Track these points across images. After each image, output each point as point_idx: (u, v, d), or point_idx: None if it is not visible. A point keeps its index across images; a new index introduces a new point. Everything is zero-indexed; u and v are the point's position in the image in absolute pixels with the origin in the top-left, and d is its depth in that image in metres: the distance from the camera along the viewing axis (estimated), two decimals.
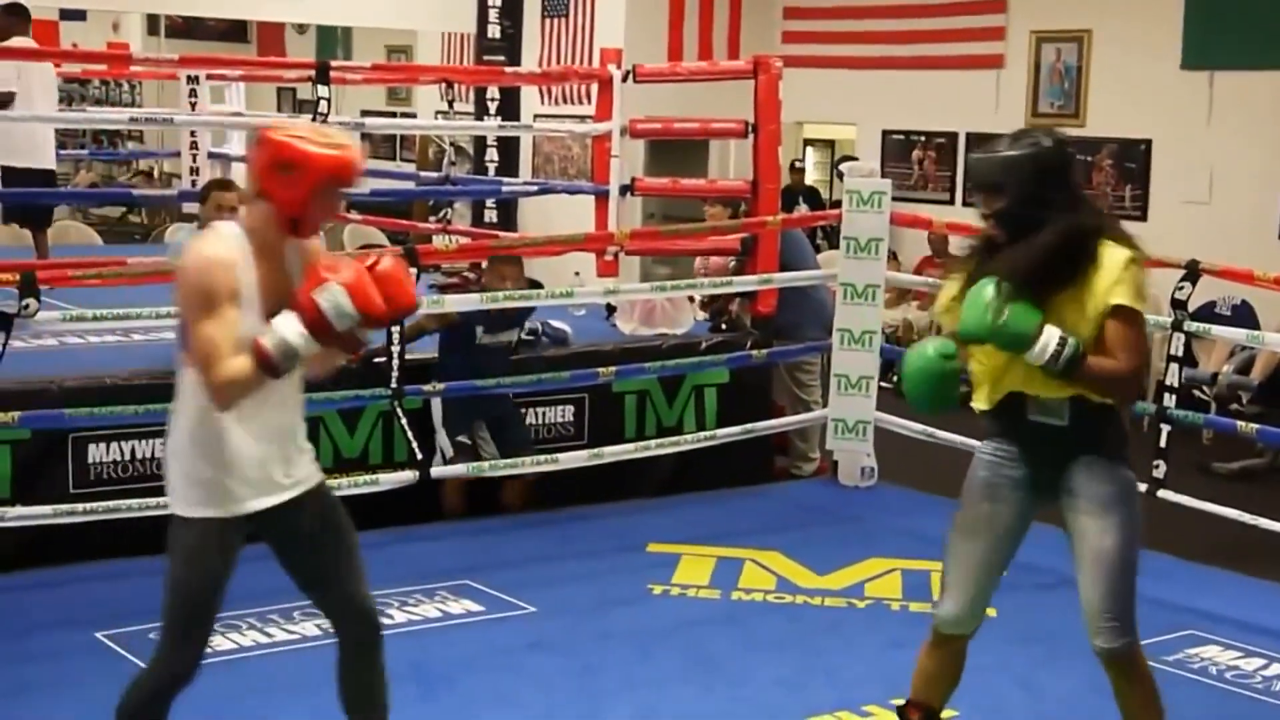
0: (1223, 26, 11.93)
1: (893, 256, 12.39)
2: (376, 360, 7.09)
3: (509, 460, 7.47)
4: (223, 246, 3.84)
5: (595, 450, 7.74)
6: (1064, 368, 4.02)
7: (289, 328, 3.74)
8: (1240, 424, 7.39)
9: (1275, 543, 6.94)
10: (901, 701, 4.58)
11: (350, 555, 4.17)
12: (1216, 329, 7.80)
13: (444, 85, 11.27)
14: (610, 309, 9.12)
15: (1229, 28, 11.90)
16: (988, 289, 4.04)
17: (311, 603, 4.29)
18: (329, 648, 4.26)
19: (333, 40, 19.50)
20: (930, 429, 7.96)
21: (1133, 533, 4.21)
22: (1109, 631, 4.17)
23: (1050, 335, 4.01)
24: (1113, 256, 4.10)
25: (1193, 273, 7.07)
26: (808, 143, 16.72)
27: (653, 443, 8.05)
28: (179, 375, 3.95)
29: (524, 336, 8.16)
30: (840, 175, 10.66)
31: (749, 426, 8.25)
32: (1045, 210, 4.09)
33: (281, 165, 3.81)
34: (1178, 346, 7.16)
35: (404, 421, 7.14)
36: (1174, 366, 7.16)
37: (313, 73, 9.02)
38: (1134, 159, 12.69)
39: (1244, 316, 10.98)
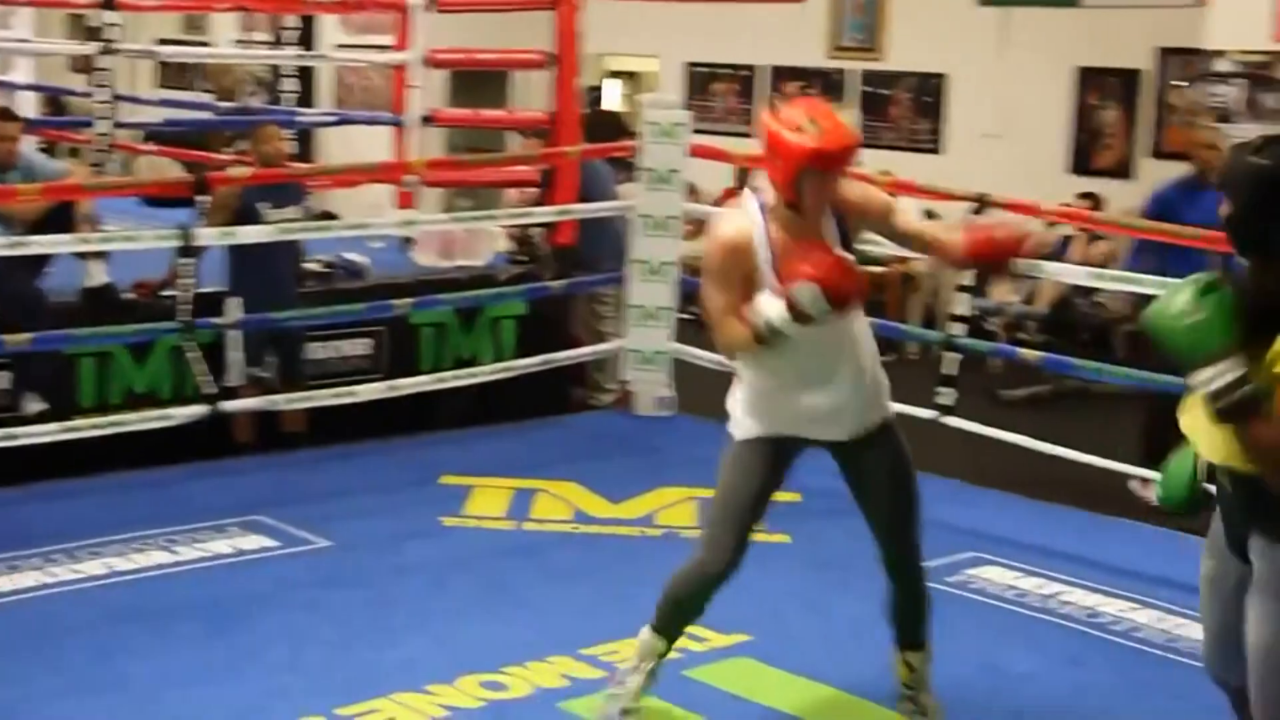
0: None
1: (694, 189, 12.47)
2: (166, 294, 6.96)
3: (303, 394, 7.40)
4: (735, 226, 4.23)
5: (392, 382, 7.70)
6: (1225, 409, 3.15)
7: (773, 310, 4.05)
8: (1022, 351, 7.57)
9: (1057, 467, 7.13)
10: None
11: (895, 509, 4.42)
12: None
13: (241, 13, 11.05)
14: (408, 241, 9.05)
15: None
16: (1198, 283, 3.26)
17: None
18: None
19: None
20: (724, 358, 8.03)
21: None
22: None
23: (1231, 367, 3.15)
24: None
25: (981, 206, 7.21)
26: (610, 74, 16.69)
27: (449, 374, 8.03)
28: None
29: (320, 270, 8.08)
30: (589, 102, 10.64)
31: (546, 357, 8.26)
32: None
33: (769, 151, 4.13)
34: (966, 277, 7.30)
35: (194, 355, 7.03)
36: (962, 296, 7.31)
37: None
38: (930, 93, 12.90)
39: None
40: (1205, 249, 7.32)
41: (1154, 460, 7.30)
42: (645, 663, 4.55)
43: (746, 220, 4.24)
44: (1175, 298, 3.23)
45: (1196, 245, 7.08)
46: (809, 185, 4.10)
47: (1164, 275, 6.76)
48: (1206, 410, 3.18)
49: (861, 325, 4.38)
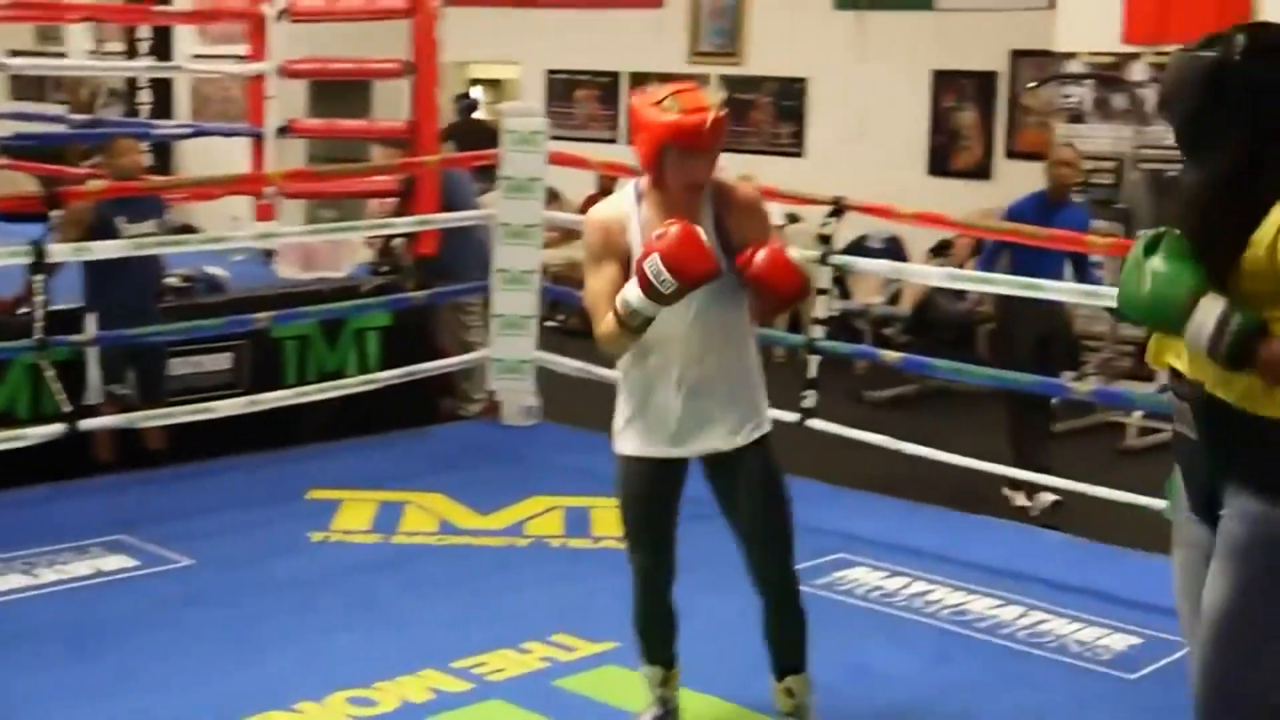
0: None
1: (556, 196, 12.48)
2: (21, 311, 6.84)
3: (163, 410, 7.30)
4: (610, 206, 4.24)
5: (254, 397, 7.62)
6: (1227, 355, 2.93)
7: (631, 290, 3.97)
8: (882, 353, 7.66)
9: (921, 467, 7.21)
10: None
11: (767, 528, 4.34)
12: (861, 262, 8.02)
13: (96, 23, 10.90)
14: (269, 254, 8.97)
15: None
16: (1137, 252, 3.04)
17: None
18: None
19: None
20: (589, 365, 8.05)
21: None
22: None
23: (1209, 308, 2.93)
24: None
25: (838, 209, 7.29)
26: (474, 82, 16.65)
27: (312, 388, 7.96)
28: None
29: (179, 284, 7.99)
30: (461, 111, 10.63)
31: (411, 368, 8.22)
32: (1221, 136, 2.99)
33: (634, 128, 4.10)
34: (825, 280, 7.37)
35: (50, 374, 6.92)
36: (822, 299, 7.38)
37: None
38: (791, 97, 13.02)
39: (894, 250, 11.40)
40: (1056, 252, 7.48)
41: (1023, 462, 7.48)
42: (653, 693, 4.54)
43: (620, 202, 4.24)
44: (1126, 277, 3.05)
45: (1048, 247, 7.23)
46: (671, 164, 4.04)
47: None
48: (1216, 366, 2.97)
49: (739, 337, 4.30)
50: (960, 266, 10.07)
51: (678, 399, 4.23)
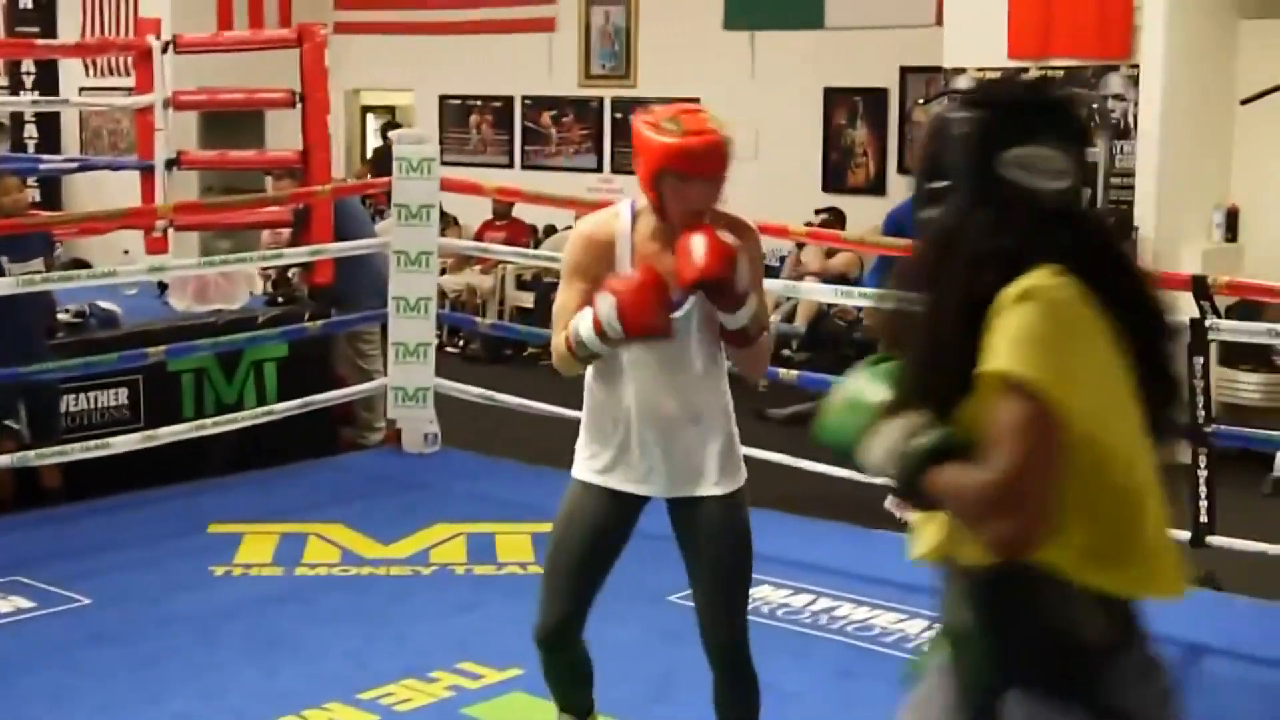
0: None
1: (454, 222, 12.46)
2: None
3: (56, 448, 7.20)
4: (597, 220, 4.01)
5: (149, 432, 7.53)
6: (904, 479, 2.46)
7: (583, 321, 3.81)
8: (781, 370, 7.69)
9: (822, 483, 7.23)
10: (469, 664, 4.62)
11: (724, 591, 4.07)
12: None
13: None
14: (162, 286, 8.88)
15: None
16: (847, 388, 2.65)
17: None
18: None
19: None
20: (490, 391, 8.04)
21: None
22: None
23: (892, 429, 2.48)
24: (1005, 294, 2.39)
25: None
26: (367, 110, 16.60)
27: (209, 421, 7.88)
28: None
29: (70, 320, 7.89)
30: (385, 141, 10.62)
31: (309, 399, 8.15)
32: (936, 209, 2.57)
33: (634, 149, 3.89)
34: None
35: None
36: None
37: None
38: None
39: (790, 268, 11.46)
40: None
41: None
42: None
43: (612, 219, 3.99)
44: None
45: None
46: (669, 189, 3.80)
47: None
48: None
49: (717, 372, 4.01)
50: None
51: (651, 431, 3.95)
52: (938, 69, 10.41)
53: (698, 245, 3.75)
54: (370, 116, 16.65)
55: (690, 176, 3.80)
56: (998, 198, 2.46)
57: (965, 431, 2.39)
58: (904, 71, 11.80)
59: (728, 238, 3.81)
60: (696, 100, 12.65)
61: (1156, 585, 2.42)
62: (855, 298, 8.27)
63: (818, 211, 11.54)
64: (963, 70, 10.08)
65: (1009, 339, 2.34)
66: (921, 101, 10.87)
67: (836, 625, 5.88)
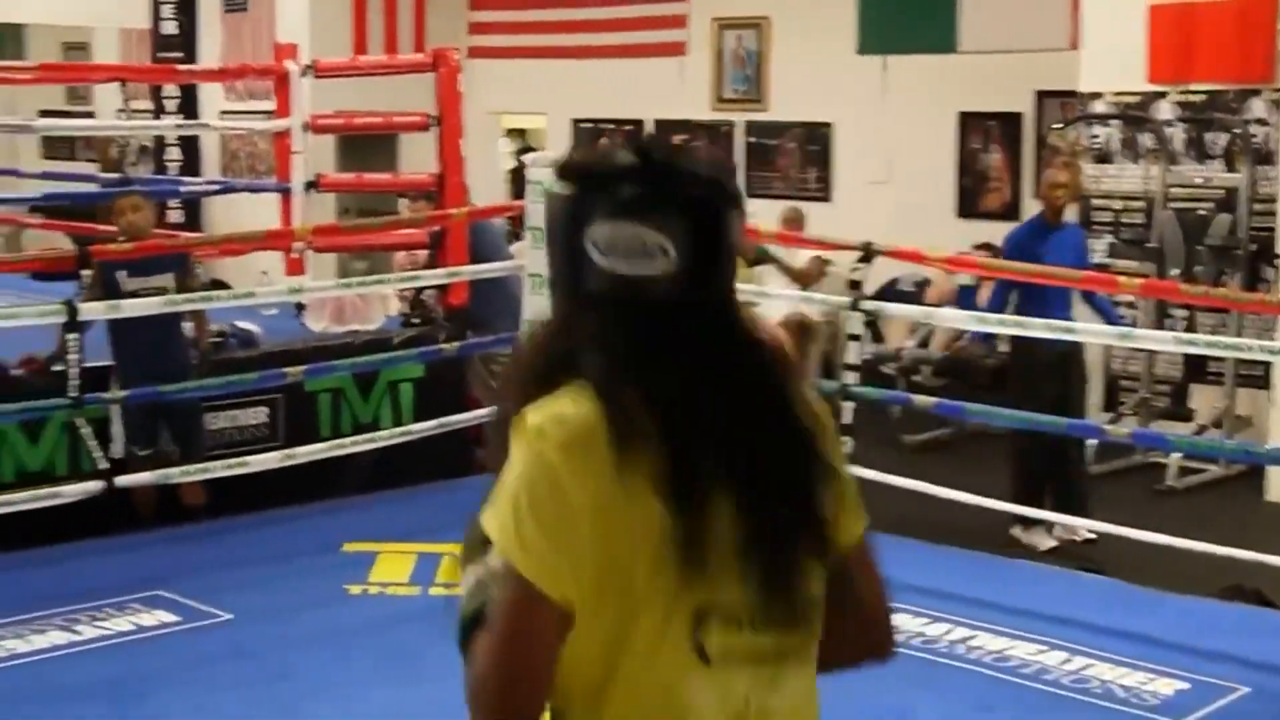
0: (893, 12, 12.31)
1: None
2: (56, 369, 6.86)
3: (199, 465, 7.31)
4: None
5: (288, 451, 7.63)
6: (461, 647, 2.10)
7: None
8: (916, 398, 7.63)
9: (956, 511, 7.17)
10: None
11: None
12: (891, 306, 8.02)
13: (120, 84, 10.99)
14: (300, 307, 9.00)
15: (899, 13, 12.28)
16: None
17: None
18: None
19: (2, 37, 18.77)
20: None
21: None
22: None
23: (469, 575, 2.15)
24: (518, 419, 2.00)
25: (867, 254, 7.26)
26: (510, 132, 16.69)
27: (347, 440, 7.97)
28: None
29: (212, 339, 8.02)
30: (522, 164, 10.69)
31: (445, 420, 8.21)
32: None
33: None
34: (857, 325, 7.35)
35: (86, 430, 6.94)
36: (853, 345, 7.35)
37: None
38: (817, 142, 13.03)
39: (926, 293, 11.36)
40: (1062, 287, 7.44)
41: (1026, 500, 7.43)
42: None
43: None
44: None
45: (1052, 284, 7.21)
46: None
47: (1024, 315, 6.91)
48: None
49: None
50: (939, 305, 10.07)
51: None
52: (1073, 93, 10.31)
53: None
54: (501, 140, 16.79)
55: None
56: (585, 286, 1.99)
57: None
58: (1040, 95, 11.68)
59: None
60: (828, 125, 12.69)
61: None
62: (993, 325, 8.18)
63: (976, 247, 11.41)
64: (1099, 95, 9.98)
65: (501, 490, 1.98)
66: (1058, 126, 10.75)
67: (973, 655, 5.81)
